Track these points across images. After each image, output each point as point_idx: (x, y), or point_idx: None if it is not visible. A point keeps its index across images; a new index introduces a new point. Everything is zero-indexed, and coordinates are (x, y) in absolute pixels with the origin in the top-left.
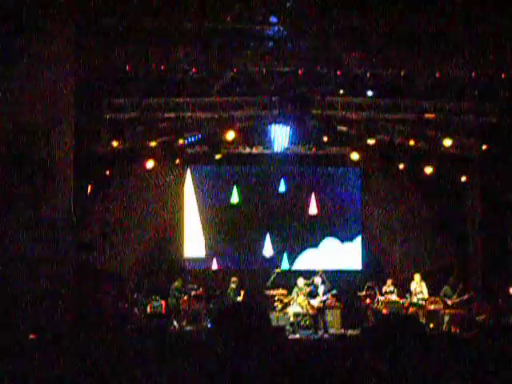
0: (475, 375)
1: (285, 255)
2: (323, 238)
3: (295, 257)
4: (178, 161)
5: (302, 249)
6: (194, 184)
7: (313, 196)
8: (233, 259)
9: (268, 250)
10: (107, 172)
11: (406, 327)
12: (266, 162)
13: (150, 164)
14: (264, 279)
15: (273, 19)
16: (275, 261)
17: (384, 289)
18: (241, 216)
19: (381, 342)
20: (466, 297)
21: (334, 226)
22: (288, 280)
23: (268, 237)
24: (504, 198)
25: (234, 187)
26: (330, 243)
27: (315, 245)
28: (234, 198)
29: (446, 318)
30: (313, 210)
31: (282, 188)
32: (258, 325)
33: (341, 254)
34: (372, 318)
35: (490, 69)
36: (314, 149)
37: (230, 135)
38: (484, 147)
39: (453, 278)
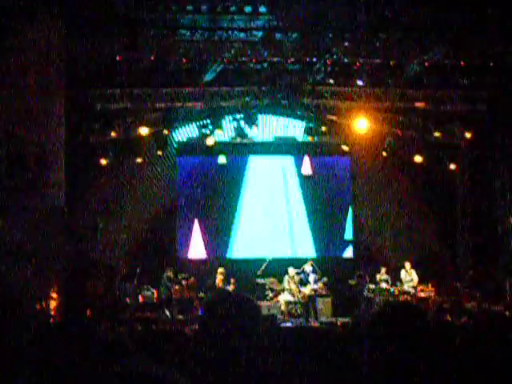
0: (468, 363)
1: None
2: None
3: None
4: (169, 150)
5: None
6: (185, 173)
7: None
8: (225, 248)
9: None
10: (101, 161)
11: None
12: (256, 150)
13: (140, 154)
14: (256, 268)
15: (262, 9)
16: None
17: (378, 277)
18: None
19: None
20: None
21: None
22: (279, 268)
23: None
24: (492, 186)
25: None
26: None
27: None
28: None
29: (436, 306)
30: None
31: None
32: (249, 314)
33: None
34: (363, 306)
35: (478, 57)
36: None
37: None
38: (471, 135)
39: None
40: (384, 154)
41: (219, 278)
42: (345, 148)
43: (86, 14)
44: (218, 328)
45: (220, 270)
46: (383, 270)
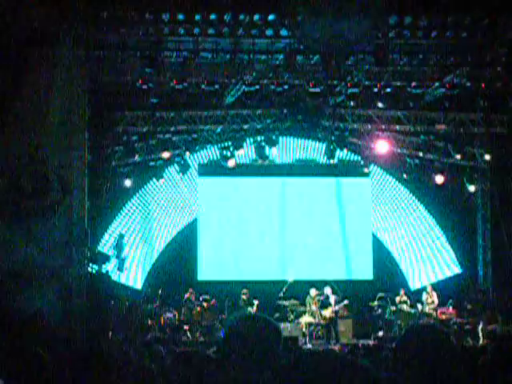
0: None
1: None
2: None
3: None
4: (190, 172)
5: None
6: (206, 194)
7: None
8: (244, 270)
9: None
10: (124, 184)
11: (434, 338)
12: (277, 172)
13: (163, 176)
14: (276, 290)
15: (283, 32)
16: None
17: (398, 299)
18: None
19: (410, 354)
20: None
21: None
22: (300, 291)
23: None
24: None
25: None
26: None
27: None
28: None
29: (457, 328)
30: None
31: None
32: (269, 335)
33: (352, 265)
34: (384, 328)
35: (498, 80)
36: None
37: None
38: (490, 157)
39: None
40: (405, 176)
41: (242, 299)
42: (366, 170)
43: (107, 39)
44: (239, 349)
45: (244, 290)
46: (402, 292)
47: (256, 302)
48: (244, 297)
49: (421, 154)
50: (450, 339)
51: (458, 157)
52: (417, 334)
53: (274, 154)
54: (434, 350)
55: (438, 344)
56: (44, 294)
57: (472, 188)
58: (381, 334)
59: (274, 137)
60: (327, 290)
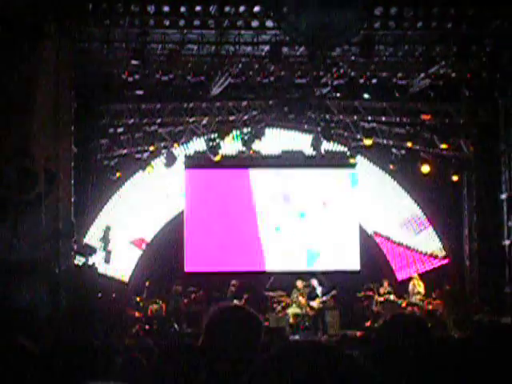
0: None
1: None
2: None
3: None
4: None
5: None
6: (192, 186)
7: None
8: (232, 261)
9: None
10: (109, 176)
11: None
12: (264, 164)
13: (149, 169)
14: (263, 281)
15: (269, 23)
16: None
17: (381, 290)
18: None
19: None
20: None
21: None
22: (287, 282)
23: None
24: (498, 198)
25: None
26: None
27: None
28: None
29: (444, 318)
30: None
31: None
32: (250, 326)
33: (339, 255)
34: (371, 319)
35: (483, 71)
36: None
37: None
38: (476, 147)
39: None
40: (391, 166)
41: (230, 290)
42: (352, 161)
43: (92, 31)
44: (220, 341)
45: (233, 282)
46: (385, 283)
47: (245, 296)
48: (233, 288)
49: (407, 145)
50: (428, 329)
51: (444, 146)
52: (394, 325)
53: (261, 145)
54: (412, 341)
55: (416, 334)
56: (31, 286)
57: (455, 178)
58: (367, 324)
59: (260, 128)
60: (314, 281)
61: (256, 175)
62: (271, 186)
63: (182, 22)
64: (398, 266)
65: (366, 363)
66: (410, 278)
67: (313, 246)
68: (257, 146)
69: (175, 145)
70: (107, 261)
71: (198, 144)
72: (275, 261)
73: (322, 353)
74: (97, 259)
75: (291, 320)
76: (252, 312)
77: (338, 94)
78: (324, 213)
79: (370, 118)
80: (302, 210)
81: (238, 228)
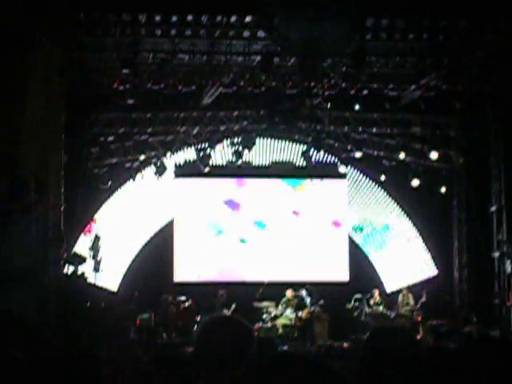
0: None
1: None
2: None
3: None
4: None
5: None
6: (183, 196)
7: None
8: (222, 271)
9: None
10: (99, 185)
11: (396, 340)
12: (254, 174)
13: (139, 178)
14: (253, 291)
15: (260, 34)
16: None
17: (372, 301)
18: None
19: (370, 355)
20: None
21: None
22: (276, 292)
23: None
24: (488, 210)
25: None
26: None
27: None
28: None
29: (431, 330)
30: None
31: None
32: (241, 336)
33: (328, 266)
34: (360, 330)
35: (474, 83)
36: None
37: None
38: (465, 159)
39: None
40: (383, 177)
41: (219, 301)
42: (342, 170)
43: (84, 40)
44: (211, 351)
45: (221, 292)
46: (376, 293)
47: (233, 306)
48: (221, 298)
49: (397, 156)
50: (416, 342)
51: (434, 158)
52: (380, 337)
53: (251, 155)
54: (399, 353)
55: (403, 346)
56: (20, 295)
57: (443, 189)
58: (354, 336)
59: (250, 138)
60: (303, 292)
61: (246, 185)
62: (260, 195)
63: (173, 32)
64: (388, 277)
65: (350, 377)
66: (400, 290)
67: (301, 255)
68: (247, 156)
69: (166, 154)
70: (96, 270)
71: (189, 153)
72: (264, 271)
73: (308, 365)
74: (86, 268)
75: (280, 330)
76: (243, 322)
77: (329, 105)
78: (313, 223)
79: (360, 129)
80: (291, 219)
81: (228, 237)
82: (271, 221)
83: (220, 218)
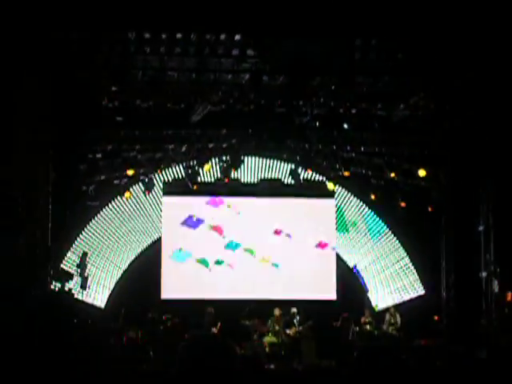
0: None
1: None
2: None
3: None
4: (154, 190)
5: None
6: (170, 215)
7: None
8: (208, 289)
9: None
10: (87, 202)
11: (383, 360)
12: (242, 193)
13: (127, 195)
14: (241, 309)
15: (249, 52)
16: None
17: (363, 319)
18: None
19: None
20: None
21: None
22: (263, 310)
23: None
24: (476, 230)
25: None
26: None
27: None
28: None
29: (420, 348)
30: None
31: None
32: (224, 355)
33: (315, 284)
34: (347, 349)
35: (463, 102)
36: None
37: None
38: (453, 179)
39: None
40: (372, 197)
41: (206, 319)
42: (330, 190)
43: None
44: (194, 370)
45: (208, 309)
46: (367, 312)
47: (219, 324)
48: (209, 316)
49: (386, 175)
50: (402, 361)
51: (422, 175)
52: (368, 357)
53: (239, 173)
54: (386, 373)
55: (390, 366)
56: (6, 312)
57: (431, 209)
58: (342, 355)
59: (239, 157)
60: (294, 309)
61: (234, 203)
62: (248, 213)
63: (162, 49)
64: (376, 296)
65: None
66: (387, 309)
67: (289, 273)
68: (235, 174)
69: (154, 171)
70: (84, 287)
71: (177, 171)
72: (252, 289)
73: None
74: (73, 285)
75: (267, 349)
76: (226, 341)
77: (318, 124)
78: (301, 241)
79: (349, 148)
80: (279, 238)
81: (216, 255)
82: (257, 239)
83: (208, 234)
